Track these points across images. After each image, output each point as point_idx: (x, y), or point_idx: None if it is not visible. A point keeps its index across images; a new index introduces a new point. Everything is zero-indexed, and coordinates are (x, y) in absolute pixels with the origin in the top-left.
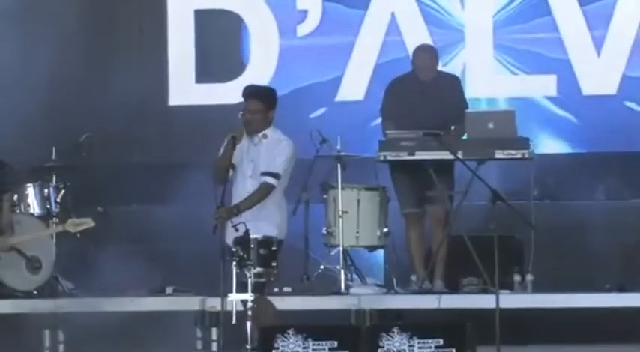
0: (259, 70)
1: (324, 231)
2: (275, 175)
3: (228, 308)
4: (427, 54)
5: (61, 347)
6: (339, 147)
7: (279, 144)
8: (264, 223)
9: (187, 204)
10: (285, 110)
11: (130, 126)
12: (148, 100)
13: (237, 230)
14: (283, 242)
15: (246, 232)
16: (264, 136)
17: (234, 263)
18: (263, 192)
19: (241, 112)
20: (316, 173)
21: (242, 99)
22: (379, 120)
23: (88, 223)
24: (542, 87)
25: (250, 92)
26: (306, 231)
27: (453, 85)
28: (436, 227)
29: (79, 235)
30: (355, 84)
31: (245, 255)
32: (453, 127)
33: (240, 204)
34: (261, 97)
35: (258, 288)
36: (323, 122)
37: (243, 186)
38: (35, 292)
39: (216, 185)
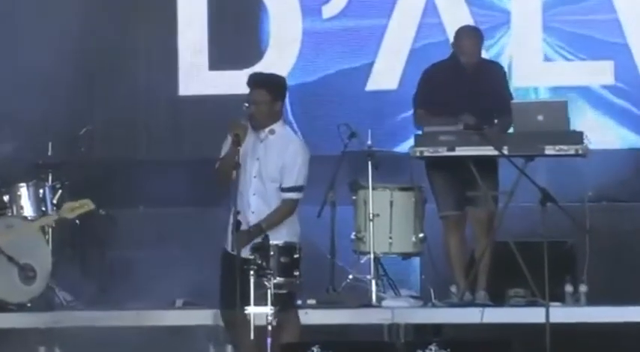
0: (280, 55)
1: (352, 236)
2: (299, 189)
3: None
4: (472, 36)
5: None
6: (369, 142)
7: (289, 146)
8: (284, 229)
9: (200, 206)
10: (308, 101)
11: (135, 118)
12: (155, 90)
13: (239, 223)
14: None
15: (265, 238)
16: (272, 132)
17: (252, 272)
18: (289, 209)
19: (246, 104)
20: (344, 171)
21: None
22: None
23: (87, 205)
24: (598, 74)
25: (255, 81)
26: (332, 235)
27: (497, 73)
28: (479, 231)
29: (78, 222)
30: (388, 71)
31: (264, 264)
32: (497, 120)
33: (264, 222)
34: (267, 86)
35: (278, 300)
36: (352, 114)
37: (248, 187)
38: (29, 305)
39: (220, 187)
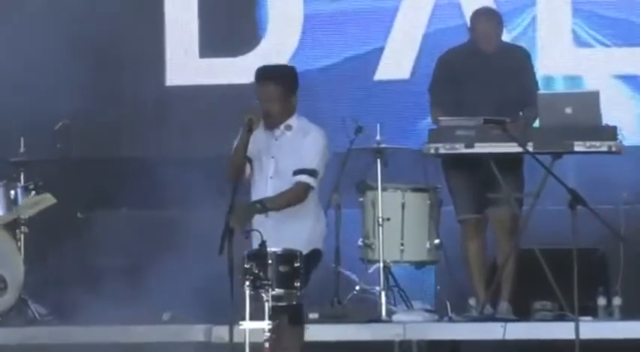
0: (279, 42)
1: (359, 242)
2: (311, 172)
3: (240, 339)
4: (489, 18)
5: None
6: (378, 137)
7: (307, 135)
8: (289, 234)
9: (189, 208)
10: (310, 92)
11: (118, 111)
12: (140, 79)
13: (246, 237)
14: (322, 254)
15: (263, 244)
16: (288, 128)
17: (247, 283)
18: (299, 193)
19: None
20: (350, 170)
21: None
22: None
23: (48, 200)
24: (635, 62)
25: (265, 74)
26: (337, 242)
27: (522, 59)
28: (501, 237)
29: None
30: (399, 59)
31: (261, 273)
32: (521, 113)
33: (267, 200)
34: (278, 79)
35: (277, 314)
36: (358, 106)
37: (264, 189)
38: None
39: (231, 183)
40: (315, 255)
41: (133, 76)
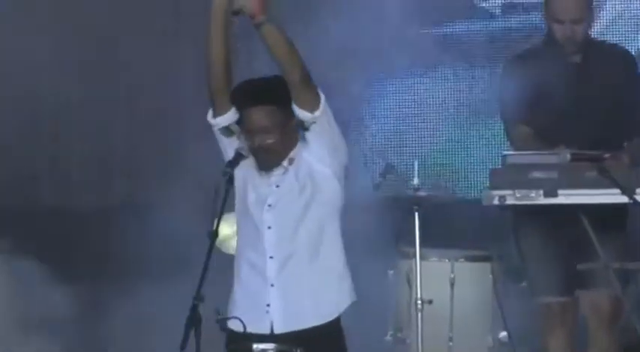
0: None
1: (388, 335)
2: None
3: None
4: (571, 1)
5: None
6: (416, 180)
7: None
8: (305, 301)
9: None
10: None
11: None
12: None
13: (222, 328)
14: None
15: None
16: (291, 162)
17: None
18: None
19: (241, 147)
20: (375, 227)
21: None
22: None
23: None
24: None
25: (255, 96)
26: (357, 335)
27: (625, 65)
28: (597, 329)
29: None
30: None
31: None
32: (626, 144)
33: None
34: (276, 100)
35: None
36: (386, 135)
37: (257, 243)
38: None
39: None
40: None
41: None
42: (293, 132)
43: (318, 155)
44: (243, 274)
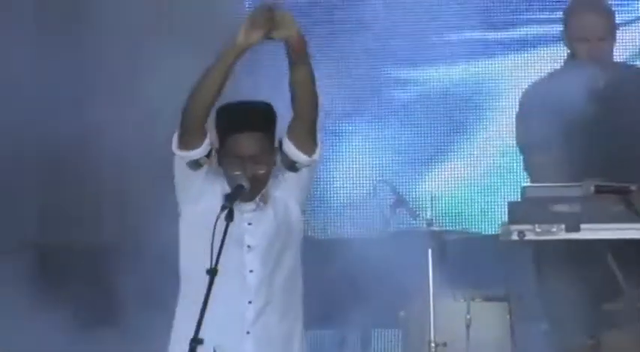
0: None
1: None
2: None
3: None
4: (593, 9)
5: None
6: (430, 215)
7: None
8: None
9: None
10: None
11: None
12: None
13: None
14: None
15: None
16: (264, 199)
17: None
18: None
19: (237, 172)
20: (383, 264)
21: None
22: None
23: None
24: None
25: (248, 120)
26: None
27: None
28: None
29: None
30: None
31: None
32: None
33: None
34: (266, 125)
35: None
36: (395, 163)
37: (237, 289)
38: None
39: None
40: None
41: None
42: (274, 162)
43: (295, 196)
44: (216, 307)
